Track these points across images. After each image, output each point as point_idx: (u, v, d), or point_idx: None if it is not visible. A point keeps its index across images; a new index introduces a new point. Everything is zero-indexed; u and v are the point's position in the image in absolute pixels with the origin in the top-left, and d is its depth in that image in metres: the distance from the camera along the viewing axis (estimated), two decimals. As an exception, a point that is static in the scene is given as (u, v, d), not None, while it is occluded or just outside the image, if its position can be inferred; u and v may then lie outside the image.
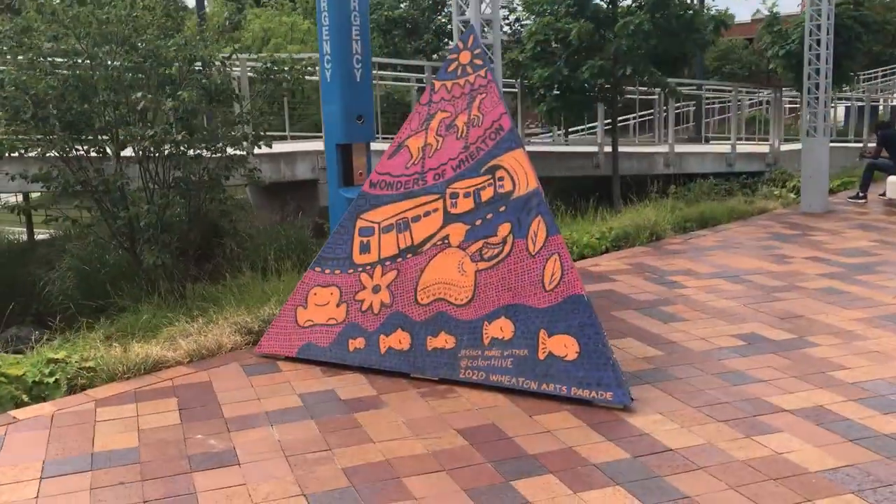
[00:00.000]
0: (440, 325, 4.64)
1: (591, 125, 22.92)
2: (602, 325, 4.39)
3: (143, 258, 6.36)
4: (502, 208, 4.65)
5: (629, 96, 14.15)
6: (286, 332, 5.07)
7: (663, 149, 13.97)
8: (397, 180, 4.96)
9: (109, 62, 6.12)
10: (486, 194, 4.70)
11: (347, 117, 5.68)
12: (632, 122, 18.15)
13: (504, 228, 4.62)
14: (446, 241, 4.74)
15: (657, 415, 4.11)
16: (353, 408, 4.30)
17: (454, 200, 4.78)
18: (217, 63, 6.83)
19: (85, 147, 6.20)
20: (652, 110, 16.53)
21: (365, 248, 4.96)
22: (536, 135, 17.69)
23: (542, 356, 4.37)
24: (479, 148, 4.77)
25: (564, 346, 4.33)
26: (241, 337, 5.42)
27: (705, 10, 11.38)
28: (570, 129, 16.45)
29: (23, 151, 6.32)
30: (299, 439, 3.91)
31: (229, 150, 6.90)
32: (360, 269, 4.94)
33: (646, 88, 12.72)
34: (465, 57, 4.93)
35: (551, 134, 16.54)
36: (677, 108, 19.34)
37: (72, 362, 4.86)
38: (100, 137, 6.23)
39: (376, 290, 4.86)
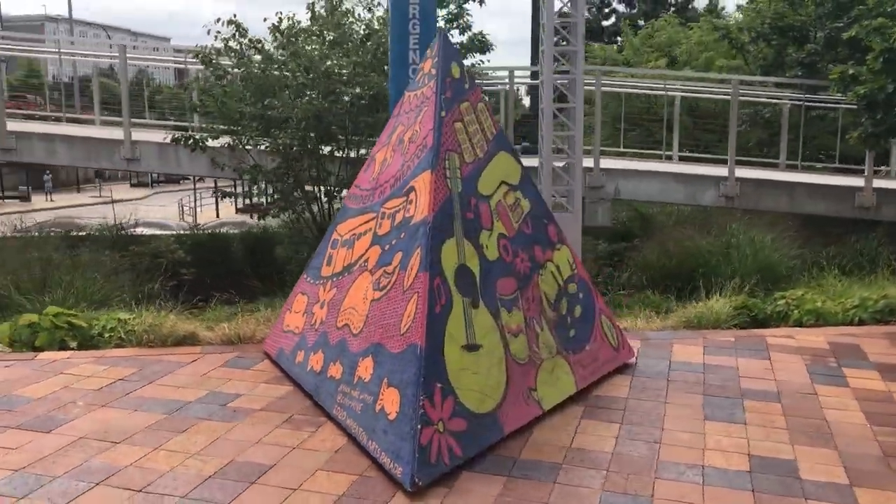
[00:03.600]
0: (339, 352, 4.28)
1: None
2: (439, 387, 3.59)
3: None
4: (402, 235, 4.08)
5: None
6: (276, 334, 5.16)
7: None
8: (361, 194, 4.68)
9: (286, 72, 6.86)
10: (399, 217, 4.17)
11: (400, 128, 5.43)
12: None
13: (397, 257, 4.05)
14: (366, 264, 4.34)
15: (428, 512, 3.25)
16: (221, 417, 4.22)
17: (381, 221, 4.34)
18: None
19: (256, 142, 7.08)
20: None
21: (329, 261, 4.79)
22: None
23: (377, 408, 3.76)
24: (409, 166, 4.24)
25: (391, 402, 3.67)
26: (282, 332, 5.64)
27: None
28: None
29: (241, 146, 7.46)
30: (125, 428, 4.04)
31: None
32: (321, 281, 4.78)
33: None
34: (426, 65, 4.40)
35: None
36: None
37: (127, 325, 5.68)
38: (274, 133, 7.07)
39: (322, 305, 4.67)
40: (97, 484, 3.46)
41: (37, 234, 11.31)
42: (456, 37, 12.97)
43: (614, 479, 3.57)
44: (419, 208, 3.99)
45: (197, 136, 7.61)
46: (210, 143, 8.02)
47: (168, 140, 8.25)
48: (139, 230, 13.62)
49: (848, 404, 4.54)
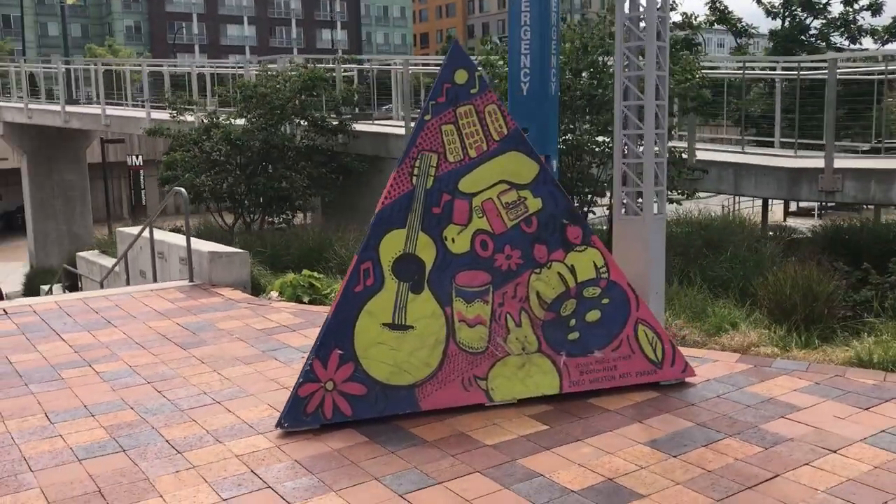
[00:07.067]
0: None
1: None
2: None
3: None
4: (380, 224, 4.68)
5: None
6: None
7: None
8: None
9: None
10: (389, 210, 4.76)
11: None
12: None
13: (369, 244, 4.68)
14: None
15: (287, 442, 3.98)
16: (285, 360, 5.38)
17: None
18: None
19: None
20: None
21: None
22: None
23: (319, 366, 4.52)
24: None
25: (313, 361, 4.41)
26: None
27: None
28: None
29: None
30: (224, 356, 5.48)
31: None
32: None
33: None
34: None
35: None
36: None
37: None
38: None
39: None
40: (148, 383, 4.97)
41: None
42: (868, 19, 11.75)
43: (442, 462, 3.76)
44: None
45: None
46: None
47: None
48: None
49: (858, 469, 3.64)
